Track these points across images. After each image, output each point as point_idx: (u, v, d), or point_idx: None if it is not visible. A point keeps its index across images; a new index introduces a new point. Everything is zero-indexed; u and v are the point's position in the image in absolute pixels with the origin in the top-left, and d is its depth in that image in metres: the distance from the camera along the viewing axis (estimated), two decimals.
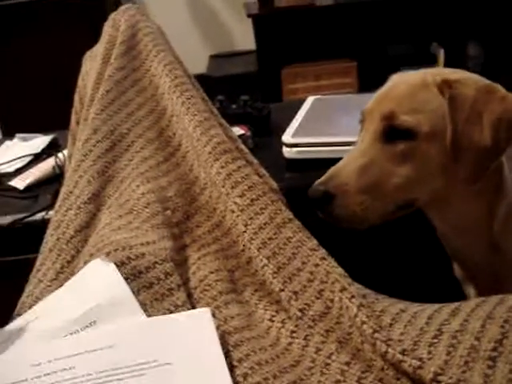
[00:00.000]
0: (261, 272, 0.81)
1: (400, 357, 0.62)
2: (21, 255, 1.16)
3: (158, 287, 0.74)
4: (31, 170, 1.36)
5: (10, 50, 3.21)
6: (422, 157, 0.82)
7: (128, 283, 0.72)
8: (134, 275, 0.74)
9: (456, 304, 0.68)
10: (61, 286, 0.80)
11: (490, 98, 0.81)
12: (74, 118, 1.21)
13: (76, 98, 1.23)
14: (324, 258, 0.78)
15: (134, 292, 0.71)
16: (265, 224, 0.84)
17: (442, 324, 0.64)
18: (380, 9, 3.27)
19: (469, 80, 0.84)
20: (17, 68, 3.24)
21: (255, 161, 0.99)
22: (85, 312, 0.69)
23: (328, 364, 0.68)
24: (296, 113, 1.36)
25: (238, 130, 1.27)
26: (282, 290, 0.77)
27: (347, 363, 0.67)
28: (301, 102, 1.45)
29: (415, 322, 0.66)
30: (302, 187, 1.15)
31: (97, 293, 0.71)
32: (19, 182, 1.32)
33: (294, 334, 0.71)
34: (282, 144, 1.22)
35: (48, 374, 0.61)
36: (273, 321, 0.74)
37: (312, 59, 3.29)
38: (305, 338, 0.71)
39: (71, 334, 0.67)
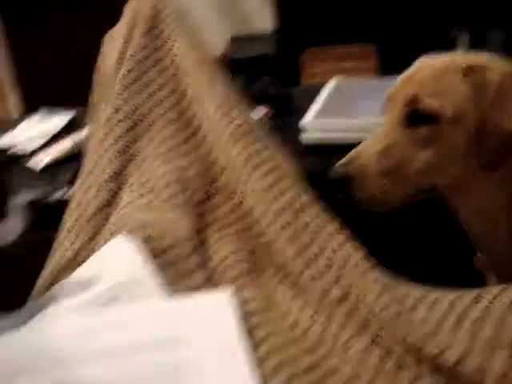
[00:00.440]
0: (280, 255, 0.80)
1: (421, 343, 0.61)
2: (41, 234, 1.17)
3: (179, 266, 0.74)
4: (49, 150, 1.37)
5: (36, 28, 3.24)
6: (444, 141, 0.81)
7: (150, 262, 0.72)
8: (156, 254, 0.74)
9: (478, 291, 0.68)
10: (79, 264, 0.80)
11: None
12: (94, 96, 1.20)
13: (95, 77, 1.23)
14: (343, 244, 0.78)
15: (156, 270, 0.71)
16: (283, 209, 0.83)
17: (463, 310, 0.63)
18: None
19: (494, 65, 0.83)
20: (42, 46, 3.27)
21: (274, 143, 0.99)
22: (107, 288, 0.69)
23: (347, 348, 0.67)
24: (317, 95, 1.35)
25: (257, 111, 1.26)
26: (301, 274, 0.77)
27: (366, 348, 0.67)
28: (323, 85, 1.43)
29: (437, 308, 0.65)
30: (321, 170, 1.15)
31: (119, 270, 0.72)
32: (36, 163, 1.32)
33: (314, 318, 0.72)
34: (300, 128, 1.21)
35: (69, 348, 0.61)
36: (292, 304, 0.75)
37: (332, 42, 3.26)
38: (323, 323, 0.71)
39: (93, 310, 0.67)
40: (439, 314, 0.64)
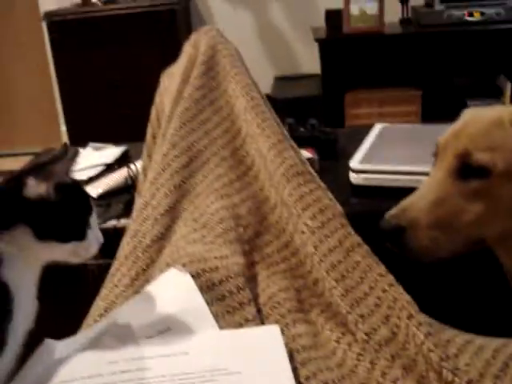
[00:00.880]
0: (328, 294, 0.83)
1: None
2: (93, 260, 1.21)
3: (230, 300, 0.77)
4: (104, 180, 1.42)
5: (79, 61, 3.34)
6: (495, 195, 0.81)
7: (202, 294, 0.75)
8: (208, 287, 0.77)
9: None
10: (135, 292, 0.84)
11: None
12: (149, 131, 1.26)
13: (153, 112, 1.28)
14: (392, 285, 0.80)
15: (207, 303, 0.74)
16: (334, 247, 0.86)
17: (508, 357, 0.64)
18: (447, 40, 3.26)
19: None
20: (85, 77, 3.37)
21: (323, 184, 1.02)
22: (160, 318, 0.72)
23: None
24: (362, 139, 1.38)
25: (305, 153, 1.30)
26: (349, 313, 0.78)
27: None
28: (366, 129, 1.47)
29: (481, 355, 0.67)
30: (367, 213, 1.17)
31: (172, 301, 0.75)
32: (92, 190, 1.38)
33: (361, 357, 0.73)
34: (348, 169, 1.25)
35: (123, 372, 0.65)
36: (339, 342, 0.76)
37: (376, 86, 3.30)
38: (371, 362, 0.72)
39: (147, 337, 0.70)
40: (484, 361, 0.66)
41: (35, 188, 0.67)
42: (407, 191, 1.14)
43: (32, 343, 0.70)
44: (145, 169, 1.20)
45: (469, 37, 3.25)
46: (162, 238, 0.93)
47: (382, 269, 0.83)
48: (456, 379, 0.64)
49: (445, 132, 0.90)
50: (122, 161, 1.53)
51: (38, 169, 0.68)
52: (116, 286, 0.87)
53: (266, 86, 3.44)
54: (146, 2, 3.35)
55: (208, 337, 0.71)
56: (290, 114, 1.56)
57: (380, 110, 3.26)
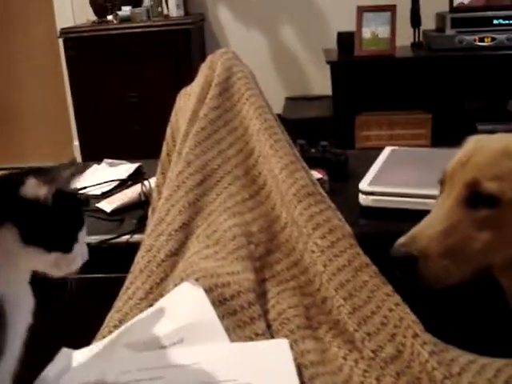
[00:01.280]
0: (336, 312, 0.85)
1: None
2: (105, 274, 1.23)
3: (241, 315, 0.79)
4: (118, 195, 1.45)
5: (94, 78, 3.40)
6: (504, 223, 0.82)
7: (214, 308, 0.77)
8: (220, 301, 0.79)
9: None
10: (149, 305, 0.87)
11: None
12: (164, 149, 1.29)
13: (168, 131, 1.32)
14: (398, 304, 0.82)
15: (219, 317, 0.76)
16: (343, 266, 0.88)
17: (510, 377, 0.66)
18: (458, 64, 3.29)
19: None
20: (100, 94, 3.42)
21: (333, 205, 1.04)
22: (173, 330, 0.75)
23: None
24: (372, 161, 1.40)
25: (315, 174, 1.32)
26: (357, 331, 0.81)
27: None
28: (376, 151, 1.49)
29: (484, 374, 0.68)
30: (375, 234, 1.19)
31: (186, 313, 0.77)
32: (106, 205, 1.41)
33: (367, 374, 0.75)
34: (358, 191, 1.27)
35: (137, 381, 0.67)
36: (346, 359, 0.78)
37: (387, 108, 3.33)
38: (377, 379, 0.74)
39: (160, 348, 0.72)
40: (486, 380, 0.68)
41: (33, 189, 0.65)
42: (415, 214, 1.16)
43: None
44: (158, 185, 1.22)
45: (479, 61, 3.28)
46: (176, 254, 0.95)
47: (388, 289, 0.85)
48: None
49: (452, 159, 0.91)
50: (136, 177, 1.56)
51: (41, 172, 0.67)
52: (130, 298, 0.90)
53: (278, 106, 3.47)
54: (160, 21, 3.40)
55: (219, 349, 0.73)
56: (301, 134, 1.58)
57: (390, 133, 3.29)
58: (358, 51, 3.28)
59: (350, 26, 3.32)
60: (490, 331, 1.15)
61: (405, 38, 3.39)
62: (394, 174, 1.33)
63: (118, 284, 0.99)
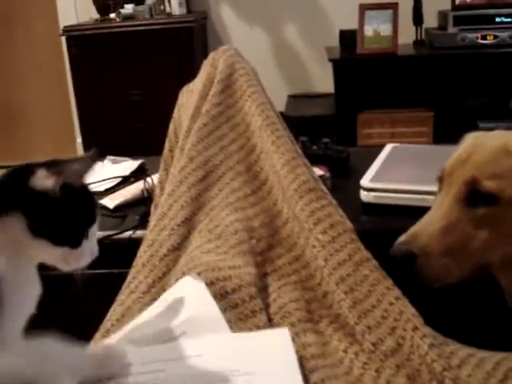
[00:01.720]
0: (337, 306, 0.86)
1: None
2: (108, 269, 1.24)
3: (242, 308, 0.80)
4: (121, 192, 1.45)
5: (97, 75, 3.40)
6: (502, 221, 0.83)
7: (216, 302, 0.78)
8: (222, 295, 0.80)
9: None
10: (151, 299, 0.88)
11: None
12: (167, 145, 1.30)
13: (171, 127, 1.32)
14: (398, 298, 0.83)
15: (220, 310, 0.77)
16: (344, 261, 0.89)
17: (509, 370, 0.67)
18: (460, 62, 3.29)
19: None
20: (102, 91, 3.43)
21: (334, 201, 1.05)
22: (176, 324, 0.75)
23: None
24: (373, 158, 1.41)
25: (317, 171, 1.33)
26: (357, 324, 0.81)
27: None
28: (378, 148, 1.50)
29: (483, 366, 0.69)
30: (376, 230, 1.20)
31: (187, 307, 0.78)
32: (109, 202, 1.41)
33: (367, 366, 0.76)
34: (359, 187, 1.28)
35: (141, 374, 0.68)
36: (346, 352, 0.79)
37: (389, 106, 3.33)
38: (376, 371, 0.75)
39: (162, 342, 0.73)
40: (485, 372, 0.68)
41: (42, 180, 0.64)
42: (416, 210, 1.17)
43: None
44: (161, 182, 1.23)
45: (482, 59, 3.28)
46: (178, 248, 0.96)
47: (389, 282, 0.86)
48: None
49: (450, 156, 0.91)
50: (139, 174, 1.57)
51: (53, 164, 0.66)
52: (133, 292, 0.91)
53: (280, 104, 3.48)
54: (163, 19, 3.41)
55: (221, 339, 0.74)
56: (303, 132, 1.59)
57: (392, 131, 3.29)
58: (360, 49, 3.28)
59: (353, 24, 3.32)
60: (489, 327, 1.16)
61: (407, 35, 3.40)
62: (395, 171, 1.34)
63: (121, 279, 1.00)
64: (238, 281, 0.83)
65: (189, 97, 1.31)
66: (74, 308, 1.24)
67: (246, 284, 0.83)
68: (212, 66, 1.29)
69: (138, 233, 1.25)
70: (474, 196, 0.83)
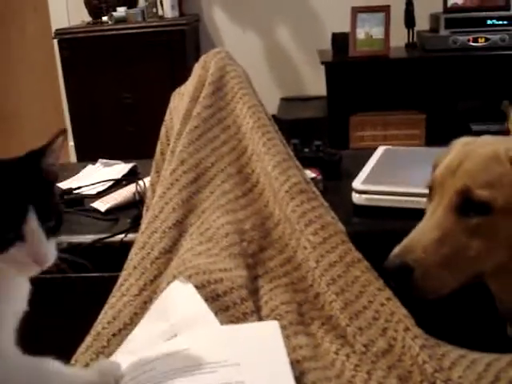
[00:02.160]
0: (328, 307, 0.85)
1: None
2: (99, 273, 1.24)
3: (233, 311, 0.80)
4: (113, 195, 1.45)
5: (89, 78, 3.40)
6: (495, 230, 0.82)
7: (207, 305, 0.78)
8: (213, 298, 0.80)
9: None
10: (142, 302, 0.88)
11: None
12: (159, 148, 1.30)
13: (162, 130, 1.32)
14: (389, 299, 0.83)
15: (212, 312, 0.77)
16: (335, 262, 0.89)
17: (499, 371, 0.67)
18: (452, 64, 3.31)
19: None
20: (94, 94, 3.42)
21: (325, 203, 1.05)
22: (167, 328, 0.75)
23: None
24: (365, 161, 1.41)
25: (309, 173, 1.33)
26: (348, 326, 0.81)
27: None
28: (370, 151, 1.50)
29: (474, 368, 0.69)
30: (368, 232, 1.20)
31: (178, 311, 0.78)
32: (101, 205, 1.41)
33: (358, 368, 0.76)
34: (351, 189, 1.28)
35: (133, 378, 0.68)
36: (338, 354, 0.79)
37: (381, 109, 3.34)
38: (368, 372, 0.75)
39: (154, 346, 0.73)
40: (477, 374, 0.69)
41: None
42: (408, 212, 1.17)
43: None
44: (153, 184, 1.23)
45: (473, 62, 3.29)
46: (170, 251, 0.96)
47: (380, 283, 0.86)
48: None
49: (439, 166, 0.90)
50: (131, 177, 1.57)
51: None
52: (124, 295, 0.91)
53: (273, 107, 3.49)
54: (155, 22, 3.41)
55: (208, 332, 0.74)
56: (296, 135, 1.59)
57: (384, 133, 3.30)
58: (353, 52, 3.29)
59: (345, 27, 3.33)
60: (479, 332, 1.16)
61: (399, 38, 3.41)
62: (387, 173, 1.34)
63: (113, 283, 1.00)
64: (230, 283, 0.83)
65: (180, 100, 1.31)
66: (66, 311, 1.23)
67: (237, 286, 0.83)
68: (203, 69, 1.29)
69: (130, 236, 1.25)
70: (467, 205, 0.82)
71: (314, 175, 1.33)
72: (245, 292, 0.83)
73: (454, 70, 3.32)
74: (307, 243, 0.92)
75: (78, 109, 3.45)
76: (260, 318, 0.83)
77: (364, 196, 1.26)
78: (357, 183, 1.27)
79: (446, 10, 3.28)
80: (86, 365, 0.82)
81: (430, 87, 3.35)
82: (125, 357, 0.74)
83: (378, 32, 3.28)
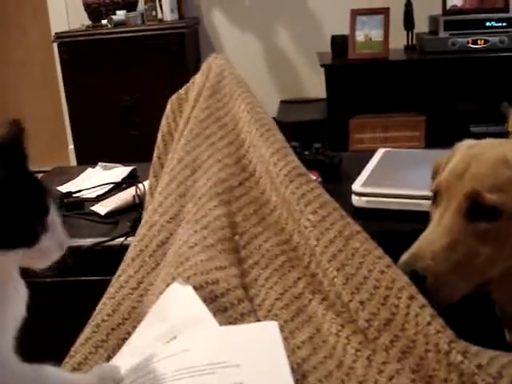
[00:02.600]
0: (329, 283, 0.86)
1: (474, 369, 0.67)
2: (99, 276, 1.24)
3: (231, 311, 0.80)
4: (112, 198, 1.45)
5: (89, 82, 3.40)
6: (505, 235, 0.81)
7: (206, 305, 0.78)
8: (211, 299, 0.80)
9: None
10: (140, 294, 0.90)
11: None
12: (156, 152, 1.31)
13: (159, 136, 1.33)
14: (389, 266, 0.82)
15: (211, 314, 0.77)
16: (335, 237, 0.89)
17: (502, 367, 0.67)
18: (451, 66, 3.31)
19: None
20: (94, 98, 3.43)
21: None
22: (167, 330, 0.75)
23: None
24: (365, 163, 1.41)
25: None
26: (351, 301, 0.81)
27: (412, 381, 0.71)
28: (370, 153, 1.50)
29: (480, 356, 0.69)
30: (369, 235, 1.20)
31: (177, 313, 0.78)
32: (101, 208, 1.41)
33: (359, 353, 0.76)
34: (351, 192, 1.28)
35: (133, 382, 0.68)
36: (339, 335, 0.79)
37: (381, 111, 3.34)
38: (368, 358, 0.75)
39: (154, 349, 0.73)
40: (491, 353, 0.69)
41: None
42: (408, 214, 1.17)
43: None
44: (151, 188, 1.24)
45: (473, 64, 3.29)
46: (166, 242, 0.98)
47: (379, 252, 0.85)
48: (465, 361, 0.67)
49: (444, 170, 0.89)
50: (130, 180, 1.57)
51: None
52: (123, 286, 0.92)
53: (272, 109, 3.49)
54: (155, 25, 3.41)
55: (207, 333, 0.74)
56: (295, 137, 1.59)
57: (384, 135, 3.30)
58: (352, 54, 3.29)
59: (344, 30, 3.33)
60: (477, 338, 1.16)
61: (398, 40, 3.41)
62: (386, 175, 1.34)
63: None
64: (226, 285, 0.83)
65: (178, 105, 1.32)
66: (65, 315, 1.23)
67: (233, 287, 0.83)
68: (203, 76, 1.31)
69: (130, 239, 1.25)
70: (476, 209, 0.81)
71: (313, 178, 1.33)
72: (241, 292, 0.84)
73: (453, 72, 3.32)
74: (307, 222, 0.93)
75: (77, 112, 3.46)
76: (258, 319, 0.83)
77: (364, 198, 1.26)
78: (356, 186, 1.27)
79: (445, 12, 3.28)
80: (85, 358, 0.83)
81: (429, 89, 3.35)
82: (124, 360, 0.74)
83: (377, 34, 3.28)
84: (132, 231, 1.27)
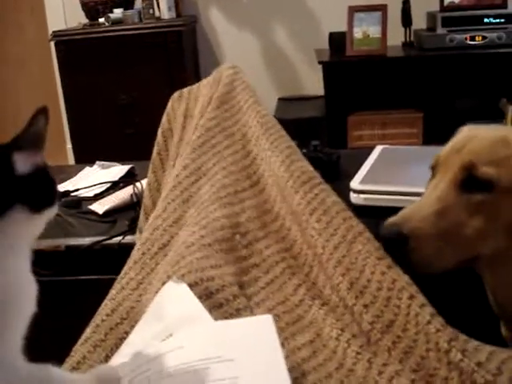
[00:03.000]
0: (329, 288, 0.86)
1: (474, 367, 0.67)
2: (97, 275, 1.24)
3: (227, 307, 0.80)
4: (110, 197, 1.45)
5: (86, 80, 3.40)
6: (496, 210, 0.81)
7: (201, 302, 0.78)
8: (206, 295, 0.81)
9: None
10: (139, 295, 0.91)
11: None
12: (156, 148, 1.31)
13: (159, 132, 1.33)
14: (390, 267, 0.82)
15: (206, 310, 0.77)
16: (339, 243, 0.89)
17: (501, 362, 0.67)
18: (449, 63, 3.31)
19: None
20: (92, 96, 3.43)
21: (327, 186, 1.05)
22: (162, 328, 0.75)
23: None
24: (364, 161, 1.41)
25: None
26: (355, 305, 0.81)
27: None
28: (368, 150, 1.50)
29: (480, 351, 0.69)
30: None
31: (172, 310, 0.78)
32: (99, 207, 1.41)
33: (359, 356, 0.76)
34: (349, 190, 1.27)
35: (129, 382, 0.68)
36: (339, 340, 0.79)
37: (379, 108, 3.34)
38: (368, 360, 0.75)
39: (150, 348, 0.73)
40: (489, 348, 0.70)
41: (27, 160, 0.64)
42: None
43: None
44: (149, 184, 1.24)
45: (471, 60, 3.29)
46: (168, 245, 0.99)
47: (380, 253, 0.85)
48: (465, 360, 0.67)
49: (444, 148, 0.90)
50: (128, 179, 1.57)
51: (20, 140, 0.65)
52: (124, 288, 0.93)
53: (271, 107, 3.49)
54: (152, 23, 3.41)
55: (202, 329, 0.74)
56: (294, 135, 1.58)
57: (382, 132, 3.30)
58: (350, 51, 3.29)
59: (342, 27, 3.33)
60: (472, 332, 1.16)
61: (396, 37, 3.41)
62: (385, 173, 1.34)
63: (111, 286, 1.00)
64: (221, 281, 0.83)
65: (179, 104, 1.33)
66: (63, 314, 1.23)
67: (228, 284, 0.84)
68: (212, 85, 1.32)
69: (128, 238, 1.25)
70: (470, 181, 0.82)
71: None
72: (236, 289, 0.84)
73: (451, 69, 3.32)
74: (313, 231, 0.93)
75: (75, 110, 3.45)
76: (253, 314, 0.83)
77: (362, 196, 1.25)
78: (355, 183, 1.27)
79: (443, 8, 3.28)
80: (84, 357, 0.83)
81: (427, 86, 3.35)
82: (123, 359, 0.74)
83: (375, 31, 3.28)
84: (130, 230, 1.27)
